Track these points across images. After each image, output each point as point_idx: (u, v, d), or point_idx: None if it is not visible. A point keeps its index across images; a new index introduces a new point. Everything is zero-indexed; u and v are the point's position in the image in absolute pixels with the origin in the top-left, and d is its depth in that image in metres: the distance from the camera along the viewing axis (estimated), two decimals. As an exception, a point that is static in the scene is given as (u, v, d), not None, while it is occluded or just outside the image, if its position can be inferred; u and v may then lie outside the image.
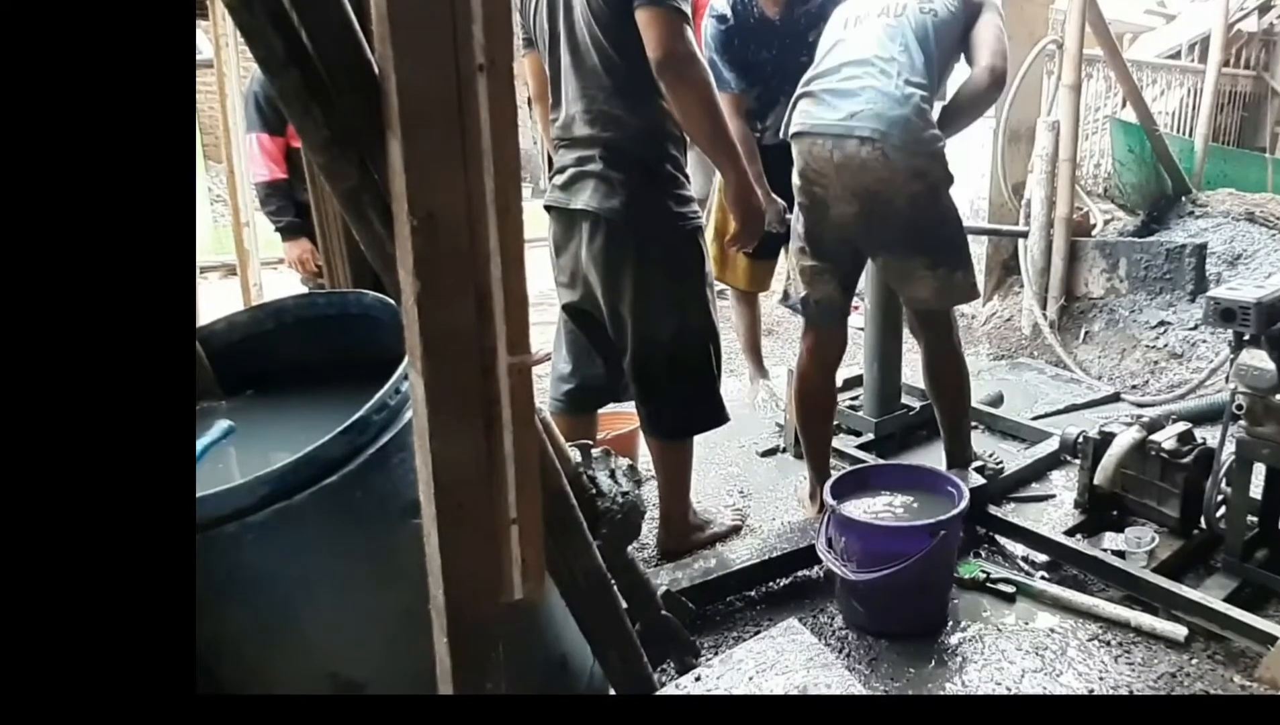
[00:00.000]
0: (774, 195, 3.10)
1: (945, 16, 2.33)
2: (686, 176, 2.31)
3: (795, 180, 2.38)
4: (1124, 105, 5.61)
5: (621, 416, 3.28)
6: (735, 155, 2.22)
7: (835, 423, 3.31)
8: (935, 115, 2.30)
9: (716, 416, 2.46)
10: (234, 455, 1.31)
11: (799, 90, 2.40)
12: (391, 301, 1.32)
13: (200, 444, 1.15)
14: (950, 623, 2.22)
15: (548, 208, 2.38)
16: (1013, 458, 3.04)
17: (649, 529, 2.70)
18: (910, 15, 2.30)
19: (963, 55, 2.41)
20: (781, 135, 2.51)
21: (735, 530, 2.76)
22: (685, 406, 2.42)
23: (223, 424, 1.21)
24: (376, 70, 0.88)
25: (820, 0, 3.17)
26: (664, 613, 1.74)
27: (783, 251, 3.53)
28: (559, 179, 2.31)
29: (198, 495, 1.09)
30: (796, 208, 2.46)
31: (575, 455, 1.55)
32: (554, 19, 2.23)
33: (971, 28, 2.36)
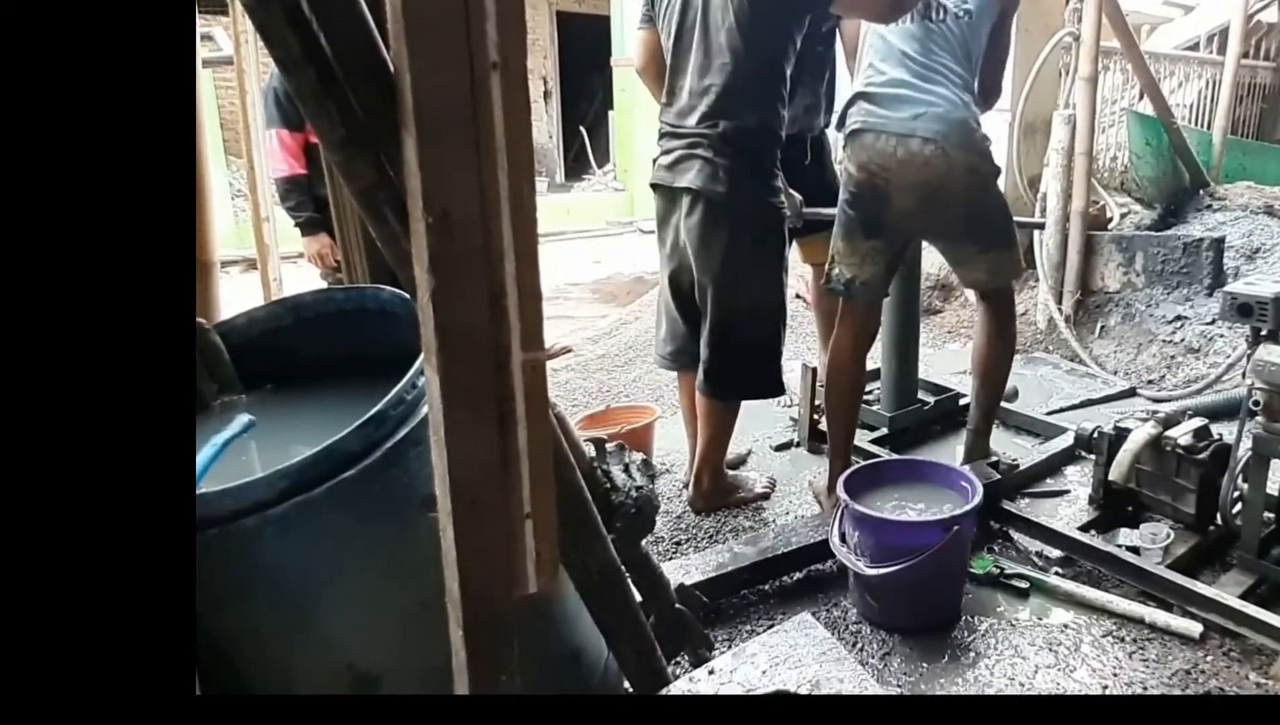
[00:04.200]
0: (790, 190, 3.10)
1: (977, 17, 2.49)
2: (779, 169, 2.57)
3: (854, 171, 2.53)
4: (1141, 97, 5.57)
5: (636, 410, 3.30)
6: None
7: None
8: None
9: (775, 387, 2.73)
10: (254, 449, 1.32)
11: (856, 90, 2.55)
12: (408, 297, 1.34)
13: (221, 438, 1.16)
14: (964, 618, 2.23)
15: (653, 186, 2.67)
16: (1027, 453, 3.04)
17: (663, 521, 2.73)
18: (950, 21, 2.46)
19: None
20: (837, 128, 2.68)
21: (764, 496, 2.93)
22: (749, 372, 2.66)
23: (243, 418, 1.22)
24: (391, 69, 0.89)
25: None
26: (678, 606, 1.75)
27: (794, 244, 3.54)
28: (665, 160, 2.58)
29: (218, 489, 1.11)
30: (851, 196, 2.57)
31: (589, 450, 1.56)
32: (685, 14, 2.46)
33: (998, 26, 2.58)
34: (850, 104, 2.56)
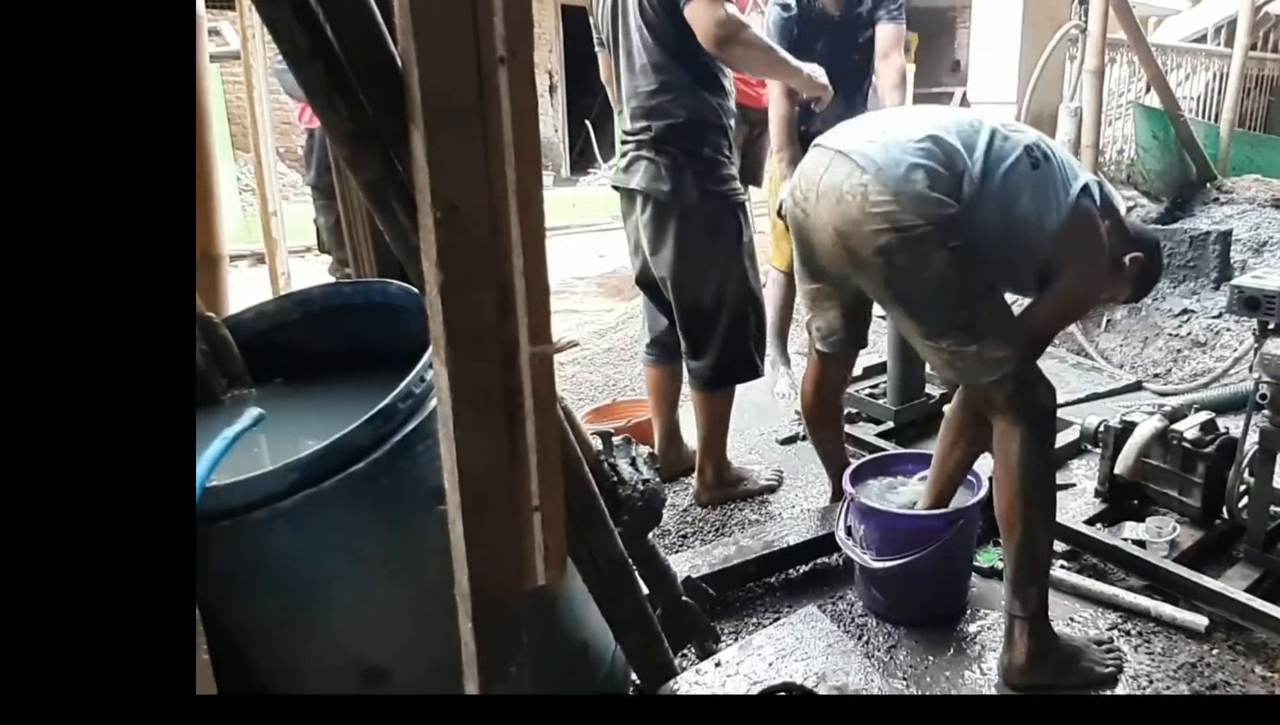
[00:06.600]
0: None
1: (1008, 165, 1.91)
2: (728, 158, 2.58)
3: (788, 200, 2.17)
4: (1148, 90, 5.55)
5: (642, 404, 3.30)
6: (796, 70, 2.56)
7: (855, 411, 3.32)
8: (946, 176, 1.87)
9: (751, 370, 2.72)
10: (264, 442, 1.33)
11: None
12: (416, 291, 1.34)
13: (231, 432, 1.17)
14: (969, 611, 2.23)
15: (614, 187, 2.74)
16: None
17: (670, 515, 2.73)
18: (981, 122, 1.97)
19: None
20: None
21: (772, 488, 2.95)
22: (722, 360, 2.65)
23: (253, 412, 1.22)
24: (399, 63, 0.89)
25: (871, 5, 3.29)
26: (684, 599, 1.75)
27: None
28: (621, 162, 2.65)
29: (229, 482, 1.11)
30: (790, 227, 2.31)
31: (597, 443, 1.57)
32: (614, 27, 2.55)
33: None
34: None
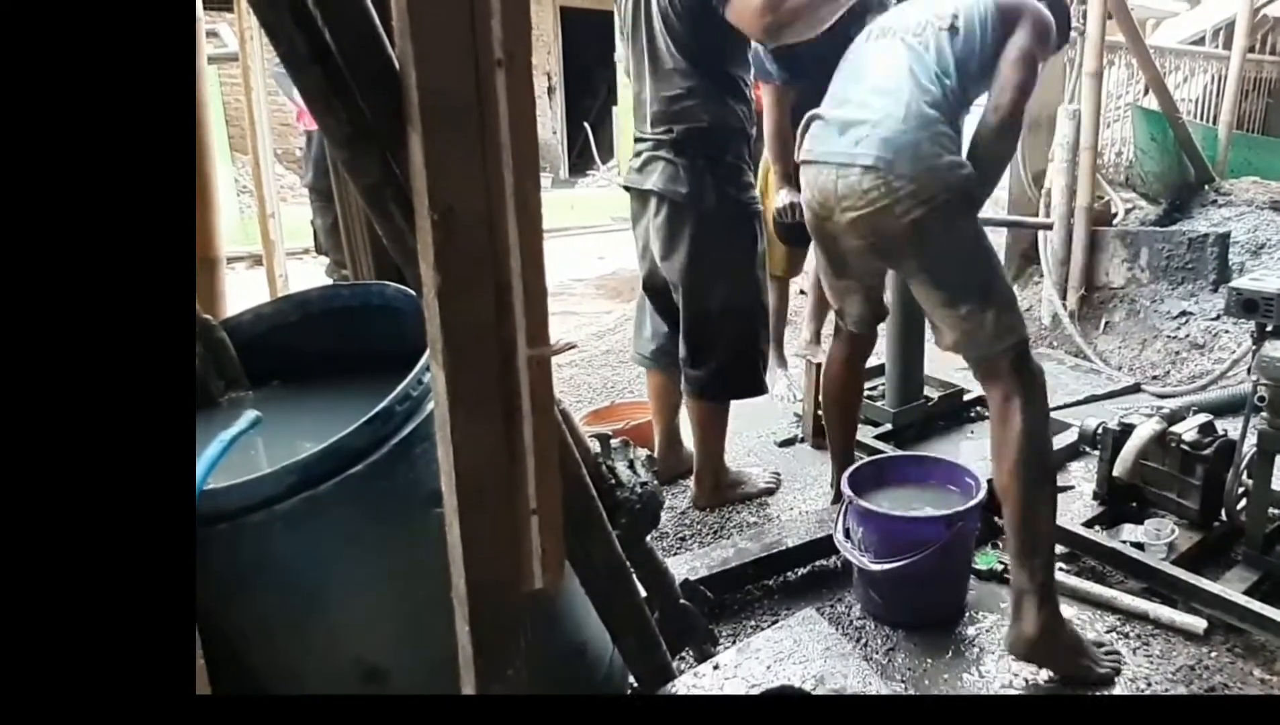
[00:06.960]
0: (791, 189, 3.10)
1: (969, 34, 2.07)
2: (749, 165, 2.57)
3: (806, 208, 2.26)
4: (1146, 92, 5.55)
5: (640, 406, 3.30)
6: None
7: (854, 413, 3.33)
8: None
9: (755, 387, 2.69)
10: (261, 445, 1.33)
11: (811, 112, 2.24)
12: (413, 293, 1.34)
13: (229, 434, 1.17)
14: (967, 614, 2.23)
15: (625, 187, 2.70)
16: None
17: (668, 517, 2.73)
18: (930, 35, 2.10)
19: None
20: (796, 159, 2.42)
21: (770, 491, 2.95)
22: (726, 372, 2.62)
23: (250, 414, 1.22)
24: (397, 66, 0.89)
25: None
26: (682, 601, 1.75)
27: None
28: (635, 162, 2.61)
29: (226, 484, 1.11)
30: (811, 232, 2.34)
31: (594, 446, 1.57)
32: (635, 26, 2.53)
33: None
34: (804, 128, 2.25)
